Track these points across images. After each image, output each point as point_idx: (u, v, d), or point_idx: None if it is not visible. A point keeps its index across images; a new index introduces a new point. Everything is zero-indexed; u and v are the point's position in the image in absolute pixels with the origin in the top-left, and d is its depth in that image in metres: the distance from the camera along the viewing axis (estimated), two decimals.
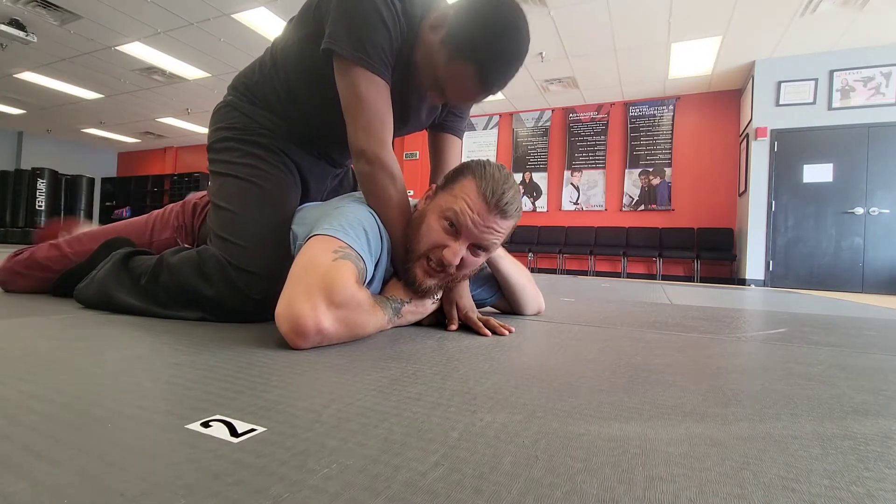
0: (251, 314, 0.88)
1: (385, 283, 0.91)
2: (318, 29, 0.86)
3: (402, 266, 0.87)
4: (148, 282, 0.91)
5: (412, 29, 0.88)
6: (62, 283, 1.09)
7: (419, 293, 0.86)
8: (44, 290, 1.14)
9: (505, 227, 0.83)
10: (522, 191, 7.02)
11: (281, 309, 0.66)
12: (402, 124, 1.04)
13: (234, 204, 0.93)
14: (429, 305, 0.91)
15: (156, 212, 1.19)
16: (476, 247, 0.83)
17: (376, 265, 0.86)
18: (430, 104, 1.06)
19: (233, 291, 0.86)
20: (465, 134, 1.21)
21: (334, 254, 0.71)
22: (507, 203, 0.80)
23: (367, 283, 0.84)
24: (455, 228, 0.81)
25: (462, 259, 0.81)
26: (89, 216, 8.59)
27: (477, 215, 0.79)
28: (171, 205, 1.19)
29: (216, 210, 0.96)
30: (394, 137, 1.09)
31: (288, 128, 1.00)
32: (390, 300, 0.84)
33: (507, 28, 0.80)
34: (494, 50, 0.80)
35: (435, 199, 0.86)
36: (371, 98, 0.83)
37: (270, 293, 0.70)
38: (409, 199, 0.93)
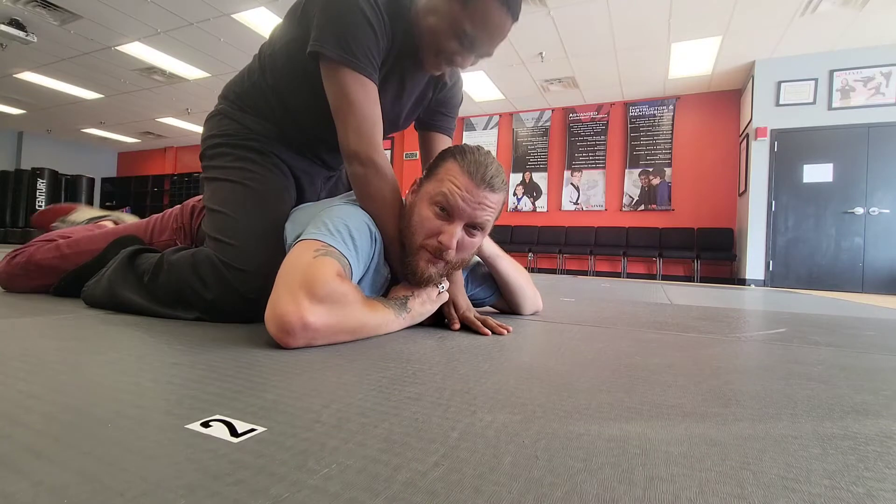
0: (246, 314, 0.88)
1: (382, 288, 0.91)
2: (305, 32, 0.86)
3: (401, 262, 0.87)
4: (150, 280, 0.91)
5: (399, 19, 0.88)
6: (65, 284, 1.09)
7: (422, 284, 0.86)
8: (45, 290, 1.14)
9: (495, 201, 0.84)
10: (523, 191, 7.03)
11: (267, 312, 0.67)
12: (392, 125, 1.04)
13: (227, 206, 0.94)
14: (435, 296, 0.89)
15: (155, 215, 1.20)
16: (471, 227, 0.83)
17: (367, 268, 0.85)
18: (421, 95, 1.06)
19: (227, 291, 0.86)
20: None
21: (315, 252, 0.71)
22: (492, 176, 0.82)
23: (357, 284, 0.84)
24: (447, 212, 0.81)
25: (459, 242, 0.82)
26: None
27: (466, 192, 0.80)
28: (171, 208, 1.20)
29: (210, 214, 0.96)
30: (389, 133, 1.09)
31: (279, 132, 1.01)
32: (393, 299, 0.84)
33: None
34: None
35: (421, 189, 0.87)
36: (360, 100, 0.83)
37: (265, 292, 0.70)
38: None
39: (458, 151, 0.85)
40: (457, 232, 0.81)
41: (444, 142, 1.17)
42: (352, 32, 0.82)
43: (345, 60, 0.82)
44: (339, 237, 0.76)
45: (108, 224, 1.45)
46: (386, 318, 0.79)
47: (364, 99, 0.84)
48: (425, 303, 0.87)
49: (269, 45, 0.99)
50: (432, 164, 0.88)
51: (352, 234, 0.78)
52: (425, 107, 1.12)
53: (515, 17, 0.86)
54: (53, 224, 1.51)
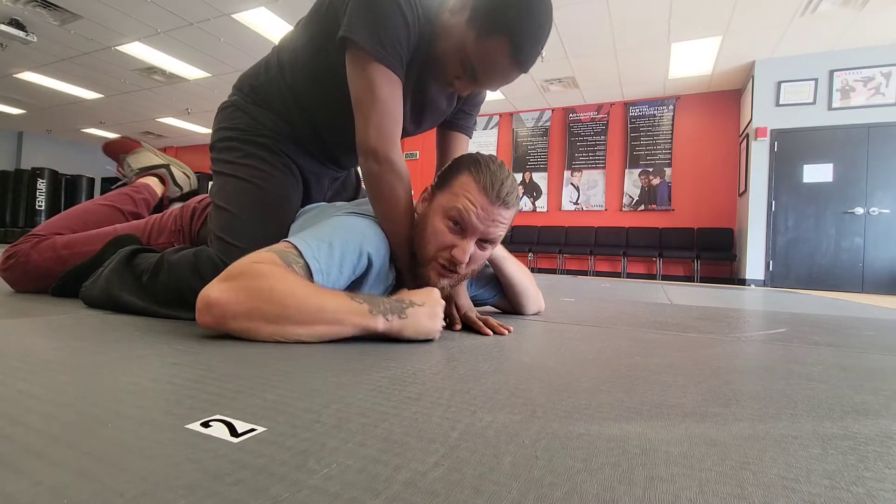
0: None
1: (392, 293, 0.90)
2: (331, 27, 0.84)
3: (411, 270, 0.86)
4: (149, 280, 0.91)
5: (430, 21, 0.86)
6: (63, 284, 1.09)
7: None
8: (45, 290, 1.14)
9: (508, 217, 0.83)
10: (523, 191, 7.03)
11: None
12: (417, 124, 1.03)
13: (233, 204, 0.93)
14: (440, 311, 0.77)
15: (154, 215, 1.19)
16: (483, 241, 0.83)
17: (361, 282, 0.83)
18: (447, 100, 1.04)
19: None
20: None
21: (268, 250, 0.71)
22: (507, 193, 0.81)
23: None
24: (460, 227, 0.81)
25: (471, 255, 0.82)
26: None
27: (481, 210, 0.79)
28: (171, 209, 1.19)
29: (216, 210, 0.96)
30: (409, 136, 1.06)
31: (291, 130, 0.99)
32: (389, 299, 0.76)
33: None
34: (523, 17, 0.78)
35: (435, 200, 0.85)
36: (385, 95, 0.81)
37: None
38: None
39: (474, 164, 0.83)
40: (469, 247, 0.81)
41: (462, 141, 1.13)
42: (384, 23, 0.79)
43: (374, 52, 0.79)
44: (313, 245, 0.74)
45: (152, 183, 1.45)
46: (353, 308, 0.69)
47: (389, 95, 0.82)
48: (434, 317, 0.75)
49: (290, 41, 0.96)
50: (446, 174, 0.86)
51: (334, 252, 0.75)
52: (453, 113, 1.10)
53: (523, 70, 0.84)
54: (120, 166, 1.52)
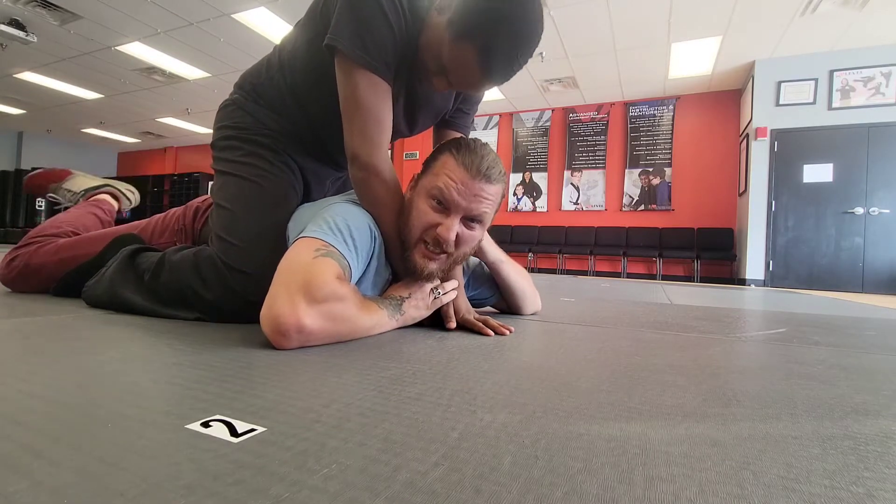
0: (247, 315, 0.86)
1: (383, 290, 0.90)
2: (325, 28, 0.84)
3: (401, 259, 0.86)
4: (150, 279, 0.91)
5: (420, 20, 0.85)
6: (65, 285, 1.09)
7: (424, 279, 0.86)
8: (46, 290, 1.14)
9: (493, 192, 0.82)
10: (523, 191, 7.03)
11: (263, 310, 0.66)
12: (411, 123, 1.03)
13: (234, 203, 0.93)
14: (430, 302, 0.88)
15: (157, 215, 1.19)
16: (469, 219, 0.82)
17: (367, 267, 0.85)
18: (442, 99, 1.04)
19: (228, 294, 0.86)
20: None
21: (315, 252, 0.71)
22: (488, 167, 0.80)
23: (356, 285, 0.83)
24: (443, 205, 0.81)
25: (458, 235, 0.81)
26: None
27: (461, 185, 0.79)
28: (174, 209, 1.19)
29: (217, 209, 0.96)
30: (406, 137, 1.06)
31: (292, 129, 1.00)
32: (388, 298, 0.84)
33: (514, 12, 0.75)
34: (500, 28, 0.75)
35: (418, 184, 0.86)
36: (369, 100, 0.81)
37: (266, 295, 0.70)
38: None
39: (454, 144, 0.84)
40: (454, 225, 0.80)
41: None
42: (369, 29, 0.79)
43: (358, 58, 0.79)
44: (339, 236, 0.75)
45: (106, 198, 1.41)
46: (380, 320, 0.80)
47: (373, 100, 0.82)
48: (419, 308, 0.87)
49: (290, 41, 0.97)
50: (429, 159, 0.87)
51: (352, 234, 0.78)
52: (450, 112, 1.10)
53: (494, 82, 0.81)
54: (49, 194, 1.43)
